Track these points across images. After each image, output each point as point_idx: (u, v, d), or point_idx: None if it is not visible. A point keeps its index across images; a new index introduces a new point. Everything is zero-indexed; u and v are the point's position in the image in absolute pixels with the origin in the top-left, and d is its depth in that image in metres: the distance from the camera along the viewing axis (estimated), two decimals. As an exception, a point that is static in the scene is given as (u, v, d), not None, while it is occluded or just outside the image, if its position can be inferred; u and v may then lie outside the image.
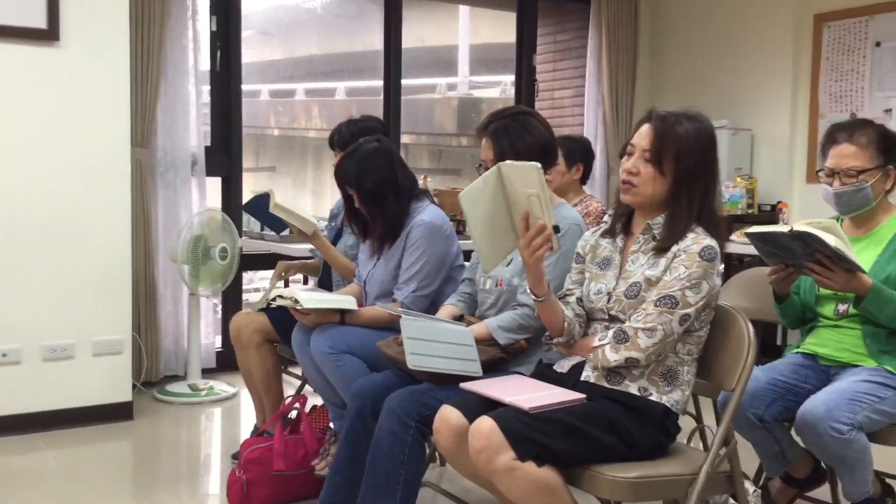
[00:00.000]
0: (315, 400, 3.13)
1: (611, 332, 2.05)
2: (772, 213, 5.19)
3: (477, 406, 2.01)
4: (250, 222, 4.77)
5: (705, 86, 5.67)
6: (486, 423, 1.89)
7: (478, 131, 2.52)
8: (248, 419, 4.00)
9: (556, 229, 1.96)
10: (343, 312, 2.74)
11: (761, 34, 5.43)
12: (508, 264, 2.44)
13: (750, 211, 5.23)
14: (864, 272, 2.32)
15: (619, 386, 2.04)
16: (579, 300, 2.20)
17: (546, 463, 1.89)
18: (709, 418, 3.14)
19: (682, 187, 2.03)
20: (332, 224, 3.48)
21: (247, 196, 4.93)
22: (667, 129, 2.02)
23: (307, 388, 3.57)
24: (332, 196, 3.15)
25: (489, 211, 2.04)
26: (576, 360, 2.14)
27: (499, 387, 2.07)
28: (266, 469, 2.88)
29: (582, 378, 2.09)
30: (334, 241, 3.33)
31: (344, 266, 3.18)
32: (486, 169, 2.50)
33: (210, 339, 4.71)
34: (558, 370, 2.17)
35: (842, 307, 2.49)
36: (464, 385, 2.11)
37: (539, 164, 1.92)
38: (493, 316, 2.44)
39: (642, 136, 2.06)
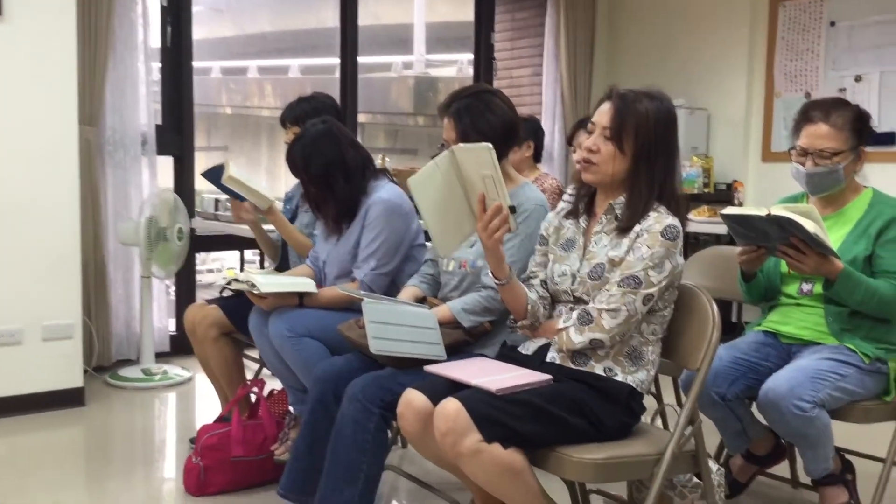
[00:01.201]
0: (274, 384, 3.07)
1: (575, 314, 2.03)
2: (728, 192, 5.24)
3: (442, 389, 1.97)
4: (203, 203, 4.67)
5: (662, 65, 5.68)
6: (452, 404, 1.86)
7: (439, 111, 2.48)
8: (203, 403, 3.94)
9: (513, 209, 1.94)
10: (301, 295, 2.68)
11: (718, 13, 5.45)
12: (472, 246, 2.40)
13: (706, 190, 5.27)
14: (837, 256, 2.32)
15: (584, 367, 2.02)
16: (543, 282, 2.18)
17: (512, 445, 1.86)
18: (668, 396, 3.16)
19: (642, 165, 2.01)
20: (288, 206, 3.41)
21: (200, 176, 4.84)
22: (627, 107, 2.00)
23: (265, 371, 3.51)
24: (287, 176, 3.07)
25: (442, 195, 2.01)
26: (541, 342, 2.12)
27: (464, 369, 2.04)
28: (224, 455, 2.82)
29: (547, 359, 2.07)
30: (291, 221, 3.26)
31: (301, 243, 3.12)
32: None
33: (163, 322, 4.62)
34: (523, 352, 2.14)
35: (806, 287, 2.50)
36: (428, 368, 2.07)
37: (490, 145, 1.89)
38: (456, 298, 2.40)
39: (602, 114, 2.04)
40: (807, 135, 2.47)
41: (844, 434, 2.46)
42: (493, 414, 1.85)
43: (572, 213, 2.17)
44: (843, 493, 2.42)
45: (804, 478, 2.70)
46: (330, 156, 2.73)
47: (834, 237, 2.47)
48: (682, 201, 2.09)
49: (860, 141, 2.47)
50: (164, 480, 3.04)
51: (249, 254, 5.60)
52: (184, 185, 4.72)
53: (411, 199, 3.04)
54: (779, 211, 2.22)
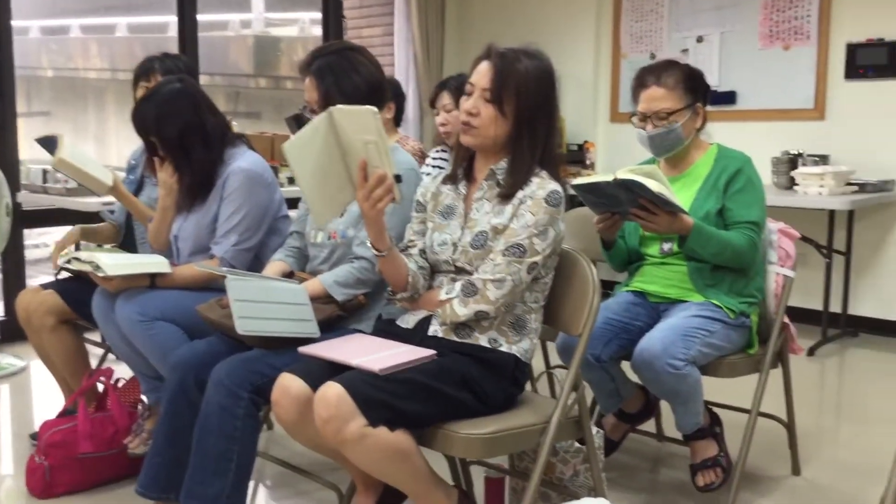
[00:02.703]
0: (122, 371, 2.83)
1: (458, 285, 1.94)
2: (580, 153, 5.32)
3: (320, 371, 1.85)
4: (30, 175, 4.26)
5: (512, 25, 5.67)
6: (333, 389, 1.73)
7: (300, 69, 2.31)
8: (42, 395, 3.61)
9: (398, 178, 1.82)
10: (153, 275, 2.45)
11: (565, -26, 5.48)
12: (342, 215, 2.26)
13: (559, 151, 5.31)
14: (686, 213, 2.36)
15: (468, 339, 1.95)
16: (422, 252, 2.08)
17: (399, 426, 1.77)
18: (536, 360, 3.16)
19: (524, 128, 1.94)
20: (131, 177, 3.09)
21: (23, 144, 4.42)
22: (507, 67, 1.92)
23: (111, 356, 3.24)
24: (117, 143, 2.81)
25: (320, 161, 1.86)
26: (421, 314, 2.02)
27: (342, 348, 1.92)
28: (70, 452, 2.60)
29: (429, 333, 1.98)
30: (136, 193, 2.97)
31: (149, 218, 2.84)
32: (312, 111, 2.31)
33: (-11, 307, 4.21)
34: (403, 326, 2.04)
35: (666, 246, 2.54)
36: (303, 349, 1.93)
37: (375, 109, 1.76)
38: (326, 271, 2.26)
39: (481, 75, 1.95)
40: (643, 99, 2.53)
41: (710, 388, 2.53)
42: (377, 396, 1.74)
43: (451, 179, 2.07)
44: (712, 445, 2.49)
45: (669, 432, 2.77)
46: (187, 118, 2.49)
47: (686, 195, 2.52)
48: (561, 165, 2.05)
49: (695, 98, 2.53)
50: (2, 482, 2.75)
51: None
52: (6, 155, 4.29)
53: (274, 168, 2.86)
54: (624, 174, 2.23)
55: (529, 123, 1.94)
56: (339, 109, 1.83)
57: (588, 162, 5.23)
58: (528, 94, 1.92)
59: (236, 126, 4.40)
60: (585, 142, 5.34)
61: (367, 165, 1.80)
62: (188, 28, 4.93)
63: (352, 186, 1.86)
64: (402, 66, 5.58)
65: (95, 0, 8.71)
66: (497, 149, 1.98)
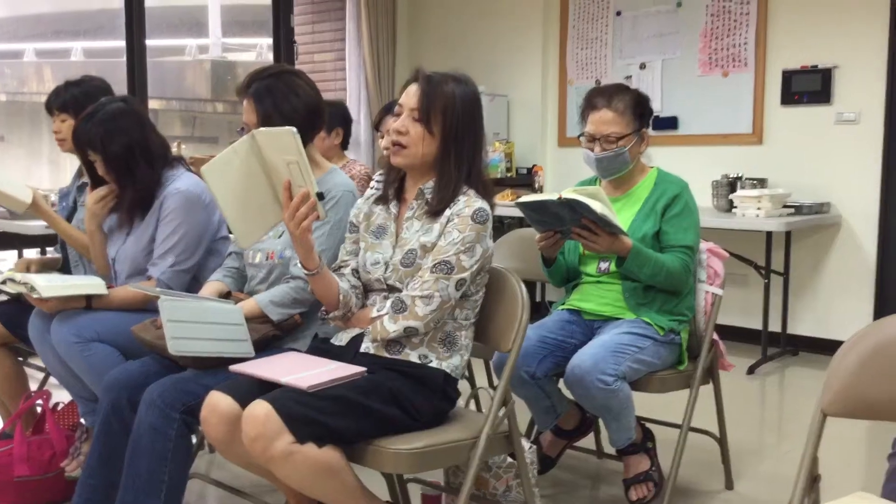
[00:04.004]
0: (61, 394, 2.82)
1: (388, 302, 1.99)
2: (529, 176, 5.41)
3: (249, 389, 1.87)
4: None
5: (463, 52, 5.76)
6: (260, 407, 1.76)
7: (238, 91, 2.34)
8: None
9: (321, 196, 1.86)
10: (89, 296, 2.45)
11: (513, 2, 5.59)
12: (279, 236, 2.29)
13: (509, 174, 5.41)
14: (626, 235, 2.42)
15: (399, 355, 1.98)
16: (355, 271, 2.12)
17: (327, 443, 1.79)
18: (480, 378, 3.21)
19: (451, 147, 2.00)
20: (63, 204, 3.09)
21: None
22: (434, 89, 1.99)
23: (52, 380, 3.21)
24: (72, 169, 2.85)
25: (242, 183, 1.91)
26: (354, 332, 2.06)
27: (272, 366, 1.94)
28: (6, 476, 2.57)
29: (361, 350, 2.01)
30: (68, 220, 2.96)
31: (82, 242, 2.82)
32: (250, 133, 2.34)
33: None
34: (336, 343, 2.07)
35: (603, 265, 2.60)
36: (234, 367, 1.95)
37: (294, 129, 1.81)
38: (264, 291, 2.28)
39: (410, 96, 2.02)
40: (592, 121, 2.58)
41: (645, 404, 2.58)
42: (305, 413, 1.77)
43: (382, 200, 2.12)
44: (645, 460, 2.55)
45: (608, 449, 2.81)
46: (134, 136, 2.51)
47: (625, 216, 2.59)
48: (489, 184, 2.10)
49: (642, 123, 2.60)
50: (-66, 510, 2.71)
51: (32, 253, 5.13)
52: (-51, 178, 4.23)
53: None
54: (569, 194, 2.29)
55: (456, 142, 2.00)
56: (261, 132, 1.87)
57: (537, 185, 5.31)
58: (455, 114, 1.98)
59: (185, 149, 4.43)
60: (534, 166, 5.43)
61: (291, 185, 1.84)
62: (136, 53, 4.95)
63: (279, 207, 1.90)
64: (353, 90, 5.64)
65: (49, 25, 8.68)
66: (425, 168, 2.04)
